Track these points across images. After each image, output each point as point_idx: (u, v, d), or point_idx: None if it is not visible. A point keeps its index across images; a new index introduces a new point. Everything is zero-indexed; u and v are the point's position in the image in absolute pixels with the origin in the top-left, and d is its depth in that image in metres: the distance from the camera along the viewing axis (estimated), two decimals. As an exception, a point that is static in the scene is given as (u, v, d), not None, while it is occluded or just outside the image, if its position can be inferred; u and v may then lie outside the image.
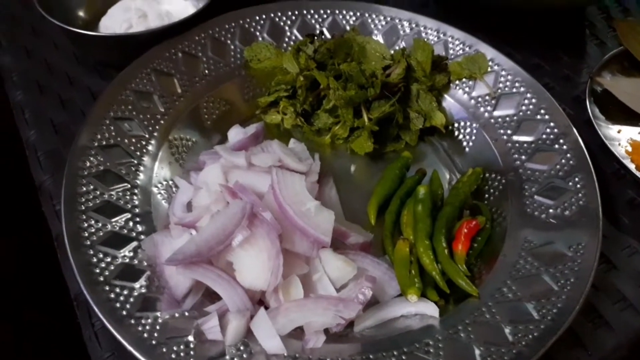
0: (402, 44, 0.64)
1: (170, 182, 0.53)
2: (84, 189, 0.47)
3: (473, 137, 0.58)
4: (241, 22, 0.64)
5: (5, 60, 0.67)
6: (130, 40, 0.60)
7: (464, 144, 0.58)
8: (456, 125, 0.60)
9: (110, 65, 0.65)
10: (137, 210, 0.48)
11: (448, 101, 0.61)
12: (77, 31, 0.59)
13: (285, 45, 0.64)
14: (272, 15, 0.65)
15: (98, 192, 0.48)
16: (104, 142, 0.51)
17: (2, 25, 0.70)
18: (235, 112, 0.61)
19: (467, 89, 0.61)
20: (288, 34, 0.65)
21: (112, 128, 0.53)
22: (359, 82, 0.57)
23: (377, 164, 0.58)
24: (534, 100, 0.57)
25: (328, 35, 0.65)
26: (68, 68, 0.66)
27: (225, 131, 0.58)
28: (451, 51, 0.63)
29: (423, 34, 0.64)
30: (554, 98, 0.57)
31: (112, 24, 0.67)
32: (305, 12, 0.66)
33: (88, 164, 0.49)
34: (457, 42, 0.63)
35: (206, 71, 0.61)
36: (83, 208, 0.46)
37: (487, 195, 0.54)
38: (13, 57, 0.67)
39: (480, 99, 0.59)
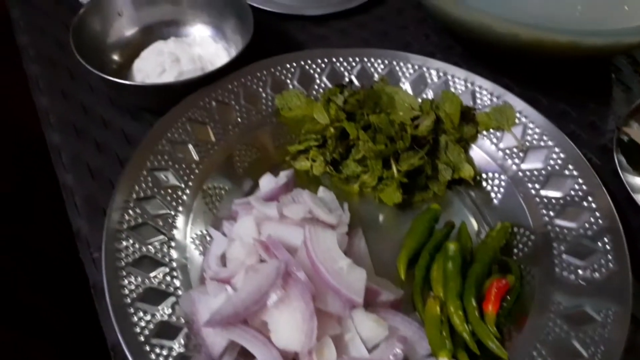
0: (430, 92, 0.65)
1: (204, 232, 0.54)
2: (124, 243, 0.49)
3: (501, 190, 0.59)
4: (272, 70, 0.66)
5: (43, 101, 0.69)
6: (164, 89, 0.62)
7: (492, 195, 0.59)
8: (484, 176, 0.60)
9: (144, 108, 0.67)
10: (173, 263, 0.50)
11: (476, 151, 0.62)
12: (113, 80, 0.60)
13: (314, 92, 0.66)
14: (302, 63, 0.67)
15: (137, 246, 0.49)
16: (142, 194, 0.53)
17: (41, 68, 0.73)
18: (266, 159, 0.62)
19: (494, 140, 0.61)
20: (318, 81, 0.66)
21: (149, 179, 0.54)
22: (388, 134, 0.58)
23: (406, 212, 0.59)
24: (562, 155, 0.57)
25: (357, 83, 0.67)
26: (103, 110, 0.68)
27: (256, 177, 0.59)
28: (479, 101, 0.64)
29: (451, 83, 0.65)
30: (580, 146, 0.58)
31: (146, 66, 0.69)
32: (334, 60, 0.67)
33: (127, 217, 0.51)
34: (485, 92, 0.64)
35: (239, 119, 0.62)
36: (123, 264, 0.47)
37: (516, 251, 0.54)
38: (50, 98, 0.69)
39: (508, 151, 0.60)
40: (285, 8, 0.81)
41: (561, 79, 0.74)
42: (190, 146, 0.59)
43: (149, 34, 0.74)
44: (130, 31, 0.74)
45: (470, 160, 0.60)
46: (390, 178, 0.58)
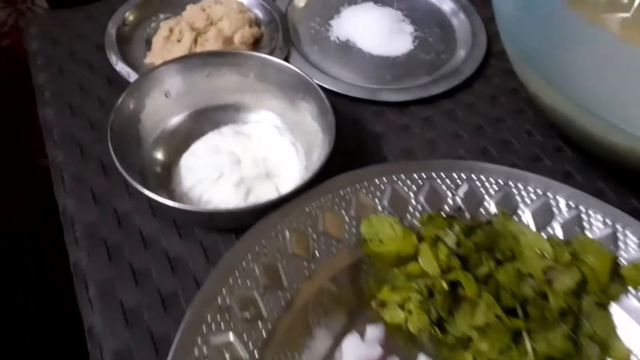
0: (558, 228, 0.51)
1: None
2: None
3: (662, 376, 0.44)
4: (358, 186, 0.52)
5: (68, 205, 0.55)
6: (226, 215, 0.49)
7: (648, 380, 0.45)
8: (635, 350, 0.46)
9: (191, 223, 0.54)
10: None
11: (619, 314, 0.47)
12: (161, 202, 0.47)
13: (409, 216, 0.52)
14: (395, 178, 0.53)
15: None
16: (197, 380, 0.39)
17: (66, 157, 0.59)
18: (347, 305, 0.49)
19: (645, 301, 0.47)
20: (413, 202, 0.53)
21: (204, 350, 0.41)
22: (520, 298, 0.44)
23: (533, 397, 0.45)
24: None
25: (460, 203, 0.53)
26: (143, 223, 0.54)
27: (335, 330, 0.47)
28: (621, 245, 0.50)
29: (584, 217, 0.51)
30: None
31: (198, 166, 0.56)
32: (434, 175, 0.54)
33: (178, 421, 0.37)
34: (629, 234, 0.50)
35: (316, 252, 0.49)
36: None
37: None
38: (77, 201, 0.56)
39: (667, 320, 0.46)
40: (359, 91, 0.68)
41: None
42: (257, 295, 0.45)
43: (200, 120, 0.61)
44: (178, 117, 0.60)
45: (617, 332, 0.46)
46: (522, 356, 0.44)
